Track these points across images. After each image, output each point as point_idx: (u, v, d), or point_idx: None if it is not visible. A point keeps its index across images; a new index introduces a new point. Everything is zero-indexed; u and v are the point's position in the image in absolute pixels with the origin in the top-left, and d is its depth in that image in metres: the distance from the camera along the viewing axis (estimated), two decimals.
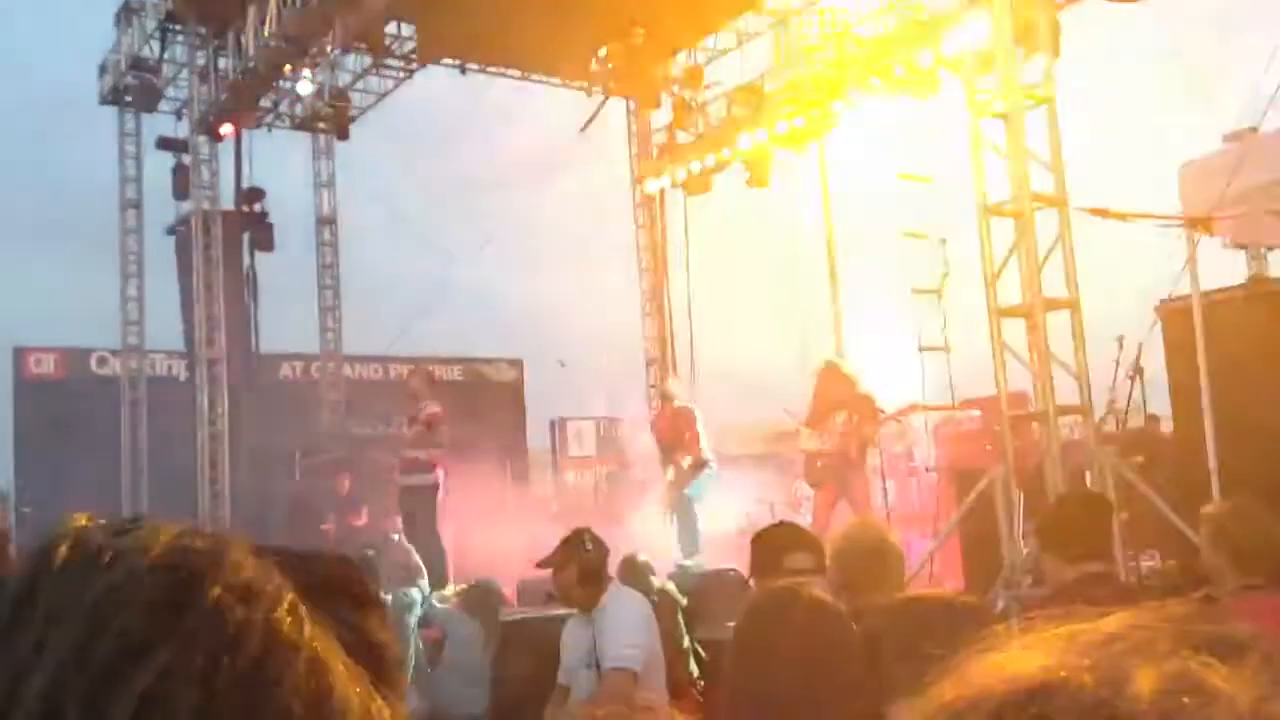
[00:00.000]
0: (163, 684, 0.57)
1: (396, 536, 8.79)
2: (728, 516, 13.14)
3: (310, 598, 0.67)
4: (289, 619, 0.63)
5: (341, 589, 0.74)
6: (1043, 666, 0.60)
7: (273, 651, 0.61)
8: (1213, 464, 7.21)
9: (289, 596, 0.65)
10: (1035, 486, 7.31)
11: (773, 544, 3.53)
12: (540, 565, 5.32)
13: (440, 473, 10.38)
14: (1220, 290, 8.08)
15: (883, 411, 10.02)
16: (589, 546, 5.09)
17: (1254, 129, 8.64)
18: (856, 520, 7.96)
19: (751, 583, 3.64)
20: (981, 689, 0.61)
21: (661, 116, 16.96)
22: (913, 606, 2.23)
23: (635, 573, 7.45)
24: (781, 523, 3.86)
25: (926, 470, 12.02)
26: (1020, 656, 0.63)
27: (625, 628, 4.94)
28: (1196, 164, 7.82)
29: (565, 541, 5.17)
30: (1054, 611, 0.67)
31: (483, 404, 19.04)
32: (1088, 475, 7.66)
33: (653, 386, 17.46)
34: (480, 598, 8.04)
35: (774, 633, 2.17)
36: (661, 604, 6.80)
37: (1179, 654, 0.62)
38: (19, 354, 20.09)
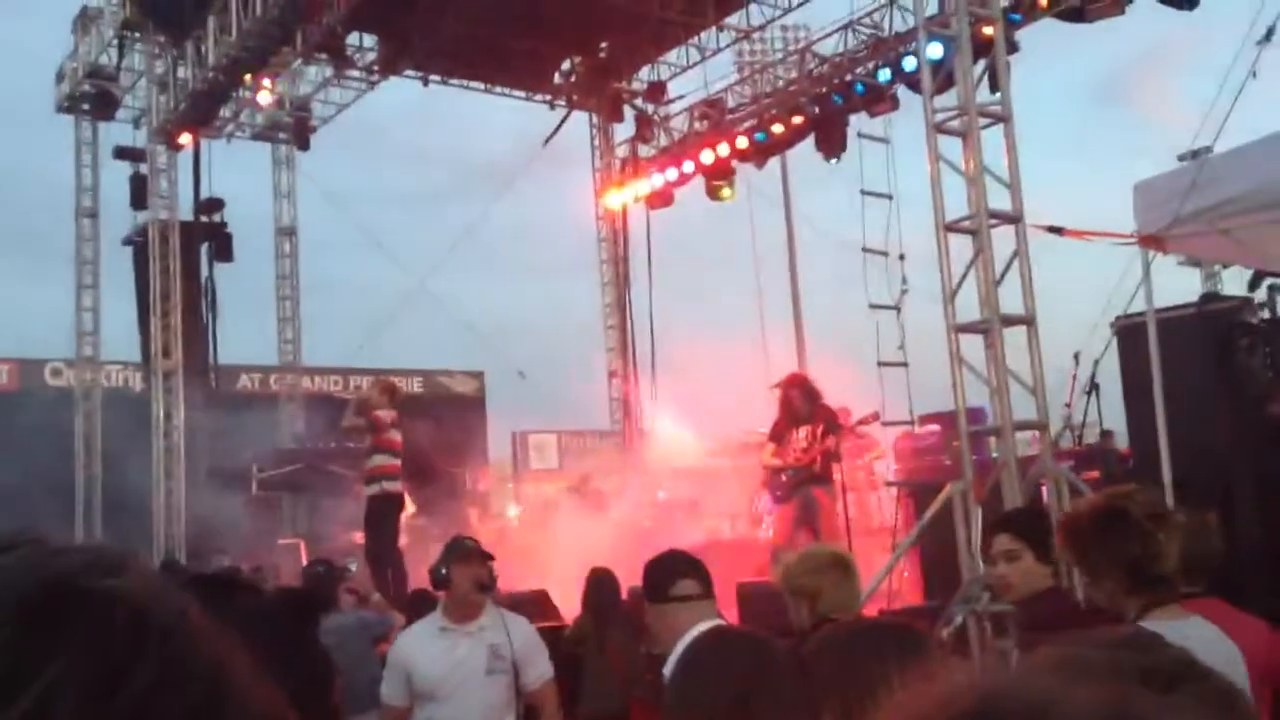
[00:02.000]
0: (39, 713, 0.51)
1: (354, 567, 8.53)
2: (692, 531, 13.15)
3: (241, 617, 0.65)
4: (185, 640, 0.57)
5: (283, 610, 0.72)
6: (981, 694, 0.61)
7: (167, 672, 0.54)
8: (1167, 479, 7.30)
9: (188, 612, 0.59)
10: (993, 502, 7.37)
11: (662, 570, 3.70)
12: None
13: (398, 484, 10.27)
14: (1175, 308, 8.20)
15: (844, 425, 10.06)
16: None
17: (1208, 149, 8.78)
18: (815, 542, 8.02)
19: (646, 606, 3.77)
20: (920, 714, 0.62)
21: (624, 130, 17.03)
22: (855, 632, 2.23)
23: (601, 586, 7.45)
24: (672, 551, 4.04)
25: (886, 485, 12.10)
26: (958, 682, 0.64)
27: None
28: (1150, 183, 7.93)
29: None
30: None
31: (443, 416, 18.92)
32: (1044, 490, 7.73)
33: (615, 399, 17.48)
34: (420, 613, 7.87)
35: (706, 677, 2.18)
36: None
37: (1117, 683, 0.63)
38: None
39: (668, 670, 2.44)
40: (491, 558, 4.91)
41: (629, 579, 9.59)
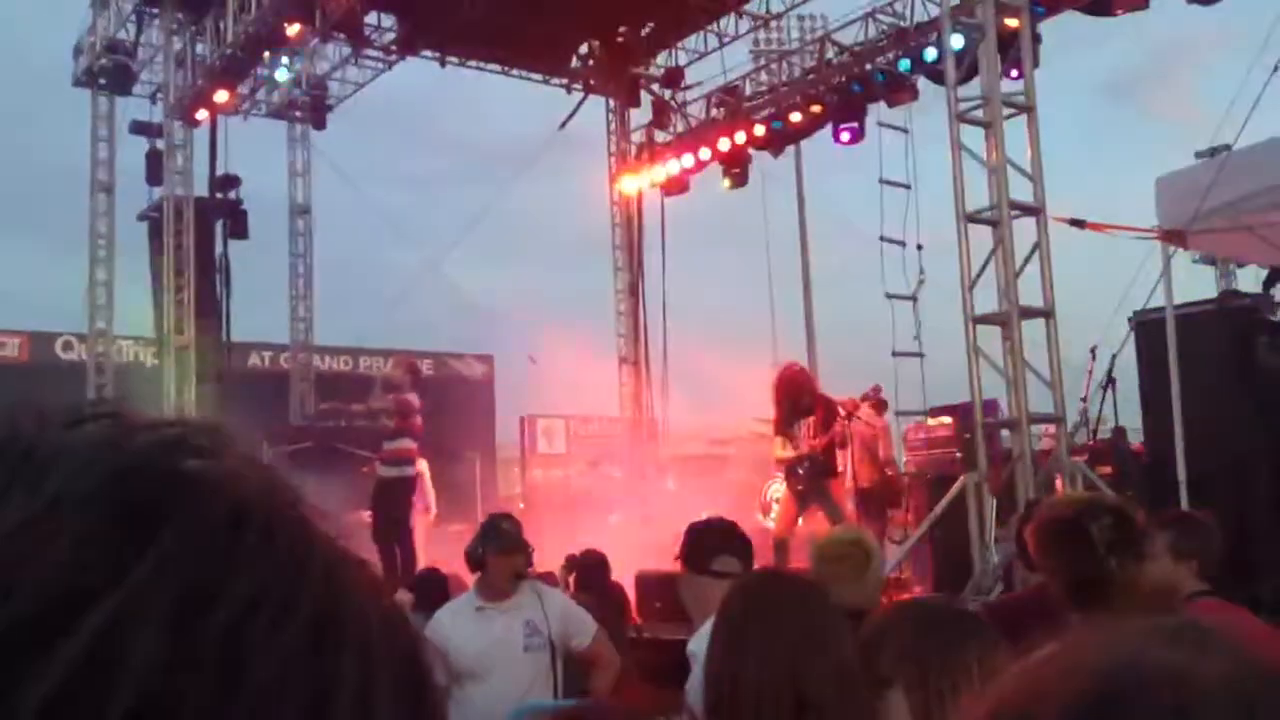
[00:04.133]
0: (106, 649, 0.39)
1: None
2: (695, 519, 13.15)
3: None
4: (295, 543, 0.45)
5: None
6: (1100, 672, 0.59)
7: (276, 583, 0.43)
8: (1181, 476, 7.28)
9: (299, 506, 0.48)
10: (1007, 495, 7.35)
11: (705, 539, 3.52)
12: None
13: (418, 466, 10.28)
14: (1193, 304, 8.16)
15: (843, 409, 9.98)
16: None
17: (1228, 146, 8.73)
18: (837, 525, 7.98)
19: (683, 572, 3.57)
20: (1034, 695, 0.60)
21: (641, 116, 16.98)
22: (914, 608, 2.23)
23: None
24: (719, 522, 3.81)
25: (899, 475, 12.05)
26: (1068, 660, 0.61)
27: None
28: (1173, 177, 7.89)
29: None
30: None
31: (452, 399, 18.93)
32: (1058, 483, 7.71)
33: (624, 385, 17.47)
34: (428, 593, 7.83)
35: (763, 614, 2.13)
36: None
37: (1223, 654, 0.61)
38: None
39: (695, 646, 2.40)
40: (530, 548, 4.96)
41: (634, 562, 9.63)
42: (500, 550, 4.85)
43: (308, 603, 0.43)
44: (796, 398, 9.71)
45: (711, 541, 3.47)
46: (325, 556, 0.46)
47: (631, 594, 8.92)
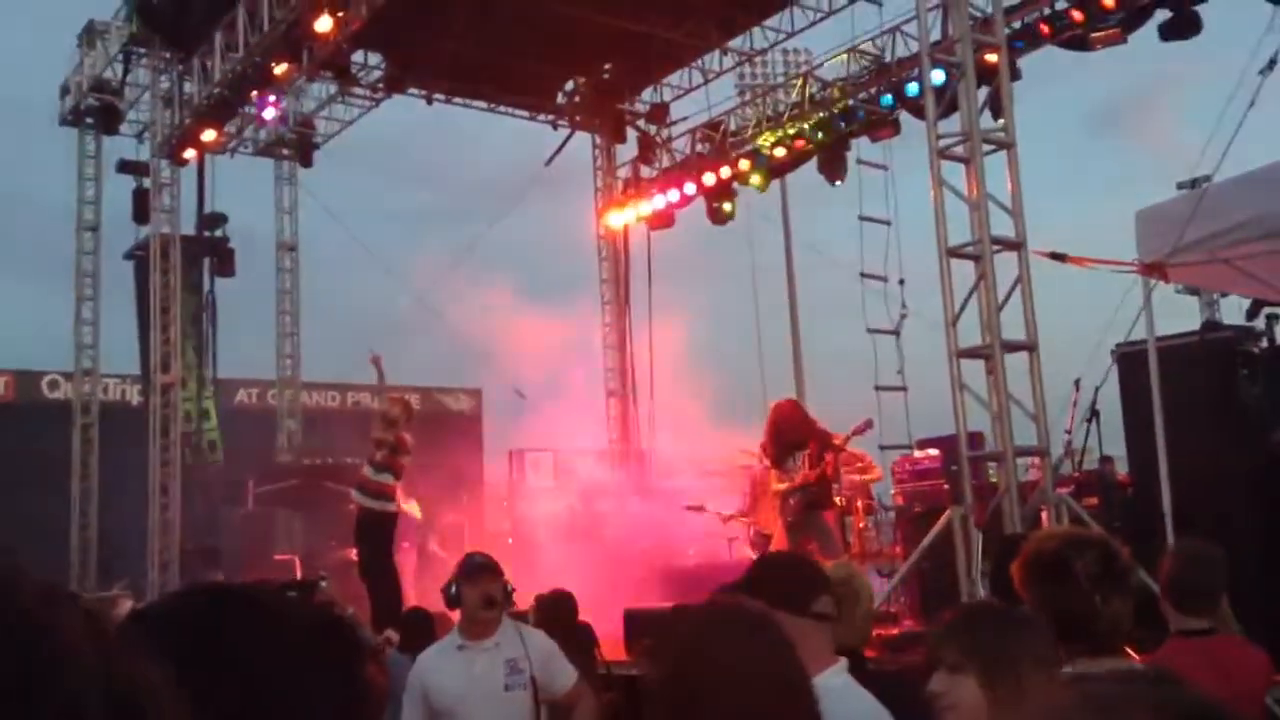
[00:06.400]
0: None
1: (325, 584, 8.38)
2: (680, 551, 13.12)
3: (306, 643, 0.63)
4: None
5: (334, 635, 0.71)
6: None
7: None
8: (1167, 507, 7.31)
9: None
10: (993, 527, 7.38)
11: (800, 577, 3.09)
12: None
13: (397, 503, 10.24)
14: (1175, 336, 8.22)
15: (836, 440, 10.03)
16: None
17: (1207, 178, 8.83)
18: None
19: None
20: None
21: (626, 151, 17.10)
22: (981, 608, 2.49)
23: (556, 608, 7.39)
24: (803, 557, 3.52)
25: (885, 509, 12.09)
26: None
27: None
28: (1152, 211, 7.97)
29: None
30: None
31: (440, 433, 18.88)
32: (1044, 516, 7.74)
33: (613, 418, 17.46)
34: (413, 633, 7.74)
35: (714, 659, 2.09)
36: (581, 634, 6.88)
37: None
38: None
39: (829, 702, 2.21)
40: (501, 574, 4.91)
41: (622, 599, 9.60)
42: (468, 577, 4.82)
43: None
44: (789, 432, 9.76)
45: (807, 580, 3.11)
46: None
47: (619, 631, 8.90)
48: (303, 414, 18.53)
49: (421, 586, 10.93)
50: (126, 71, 15.31)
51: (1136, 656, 3.31)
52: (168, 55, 14.50)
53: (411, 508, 12.23)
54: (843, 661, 2.92)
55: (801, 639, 2.66)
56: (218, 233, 15.46)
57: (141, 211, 15.12)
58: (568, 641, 7.30)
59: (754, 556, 11.89)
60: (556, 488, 19.13)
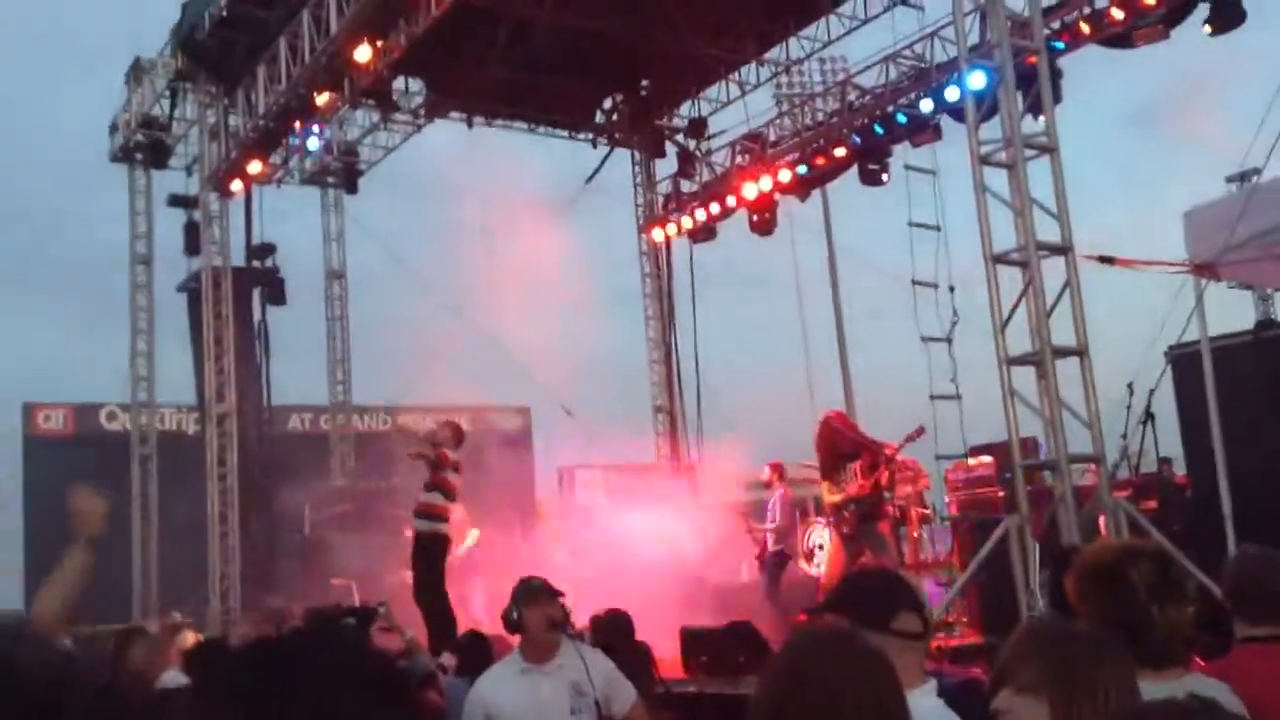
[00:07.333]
0: None
1: (383, 609, 8.41)
2: (734, 566, 13.08)
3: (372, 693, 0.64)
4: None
5: (397, 684, 0.72)
6: None
7: None
8: (1227, 510, 7.20)
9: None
10: (1051, 536, 7.29)
11: (884, 593, 3.00)
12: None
13: (450, 525, 10.29)
14: (1229, 335, 8.10)
15: (888, 450, 9.97)
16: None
17: (1258, 170, 8.70)
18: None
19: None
20: None
21: (666, 166, 17.13)
22: (1057, 628, 2.36)
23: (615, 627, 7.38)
24: (885, 571, 3.36)
25: (941, 520, 11.98)
26: None
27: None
28: (1201, 210, 7.86)
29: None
30: None
31: (490, 452, 18.98)
32: (1102, 523, 7.64)
33: (661, 433, 17.48)
34: (471, 656, 7.75)
35: (818, 687, 2.08)
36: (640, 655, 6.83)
37: None
38: (29, 409, 20.18)
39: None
40: (561, 595, 4.94)
41: (674, 617, 9.57)
42: (529, 603, 4.85)
43: None
44: (839, 443, 9.73)
45: (889, 596, 3.00)
46: None
47: (674, 649, 8.88)
48: (355, 438, 18.71)
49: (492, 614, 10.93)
50: (174, 107, 15.60)
51: (1202, 663, 3.27)
52: (213, 89, 14.76)
53: (471, 537, 12.28)
54: (932, 682, 2.83)
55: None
56: (267, 262, 15.70)
57: (193, 244, 15.39)
58: (625, 661, 7.31)
59: (811, 570, 11.86)
60: (607, 504, 19.19)
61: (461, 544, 11.60)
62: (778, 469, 12.43)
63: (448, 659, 8.07)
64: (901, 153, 13.92)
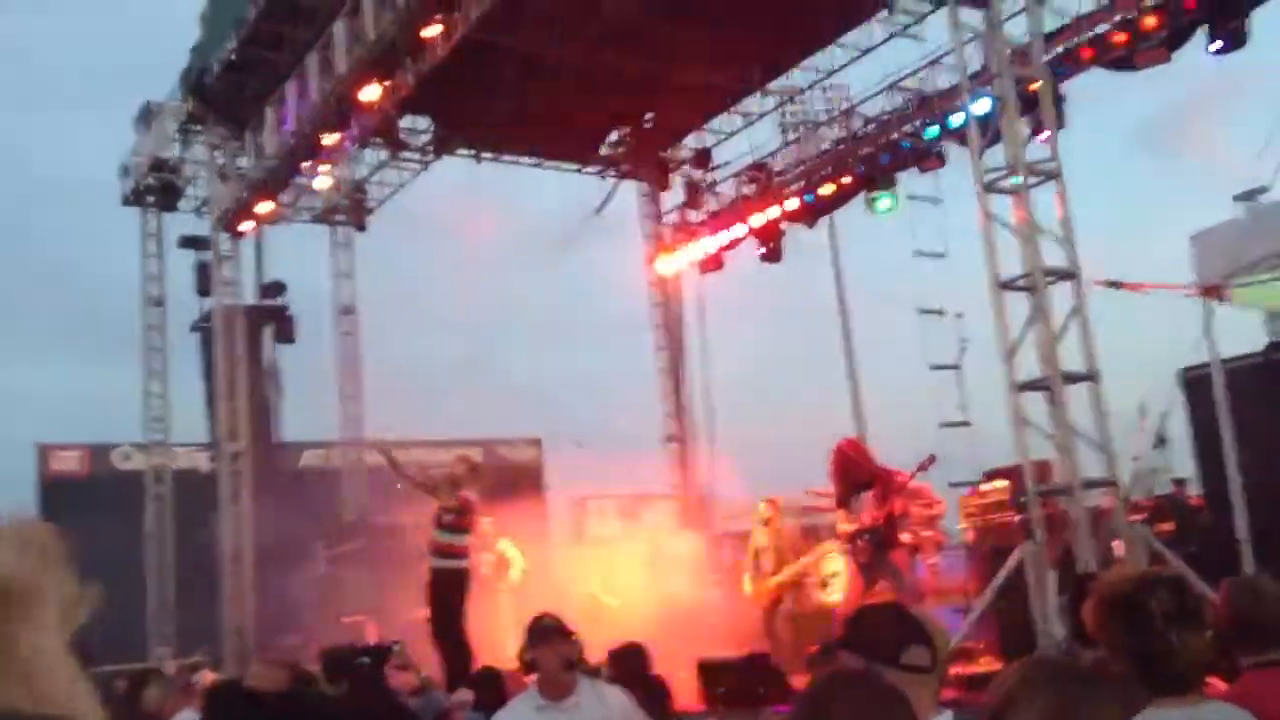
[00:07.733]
0: None
1: (398, 647, 8.41)
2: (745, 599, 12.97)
3: None
4: None
5: None
6: None
7: None
8: (1243, 533, 7.17)
9: None
10: (1066, 561, 7.27)
11: (892, 628, 3.01)
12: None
13: (470, 561, 10.30)
14: (1241, 357, 8.09)
15: (900, 479, 9.94)
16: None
17: (1264, 189, 8.72)
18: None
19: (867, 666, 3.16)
20: None
21: (673, 197, 17.22)
22: (1055, 666, 2.29)
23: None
24: (895, 606, 3.39)
25: (955, 546, 11.92)
26: None
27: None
28: (1207, 233, 7.89)
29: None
30: None
31: (503, 484, 18.97)
32: (1117, 547, 7.61)
33: (673, 463, 17.46)
34: (485, 692, 7.73)
35: None
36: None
37: None
38: (43, 451, 20.25)
39: None
40: (573, 633, 4.95)
41: (692, 649, 9.53)
42: (543, 642, 4.85)
43: None
44: (853, 472, 9.71)
45: (899, 630, 3.00)
46: None
47: (688, 681, 8.83)
48: (367, 474, 18.72)
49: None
50: (184, 149, 15.76)
51: (1222, 685, 3.27)
52: (223, 131, 14.91)
53: (514, 569, 12.29)
54: (947, 714, 2.84)
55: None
56: (278, 300, 15.79)
57: (204, 284, 15.50)
58: (642, 696, 7.28)
59: (825, 599, 11.79)
60: (620, 534, 19.15)
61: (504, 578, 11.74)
62: (774, 505, 12.25)
63: (466, 695, 8.06)
64: (908, 182, 13.99)
